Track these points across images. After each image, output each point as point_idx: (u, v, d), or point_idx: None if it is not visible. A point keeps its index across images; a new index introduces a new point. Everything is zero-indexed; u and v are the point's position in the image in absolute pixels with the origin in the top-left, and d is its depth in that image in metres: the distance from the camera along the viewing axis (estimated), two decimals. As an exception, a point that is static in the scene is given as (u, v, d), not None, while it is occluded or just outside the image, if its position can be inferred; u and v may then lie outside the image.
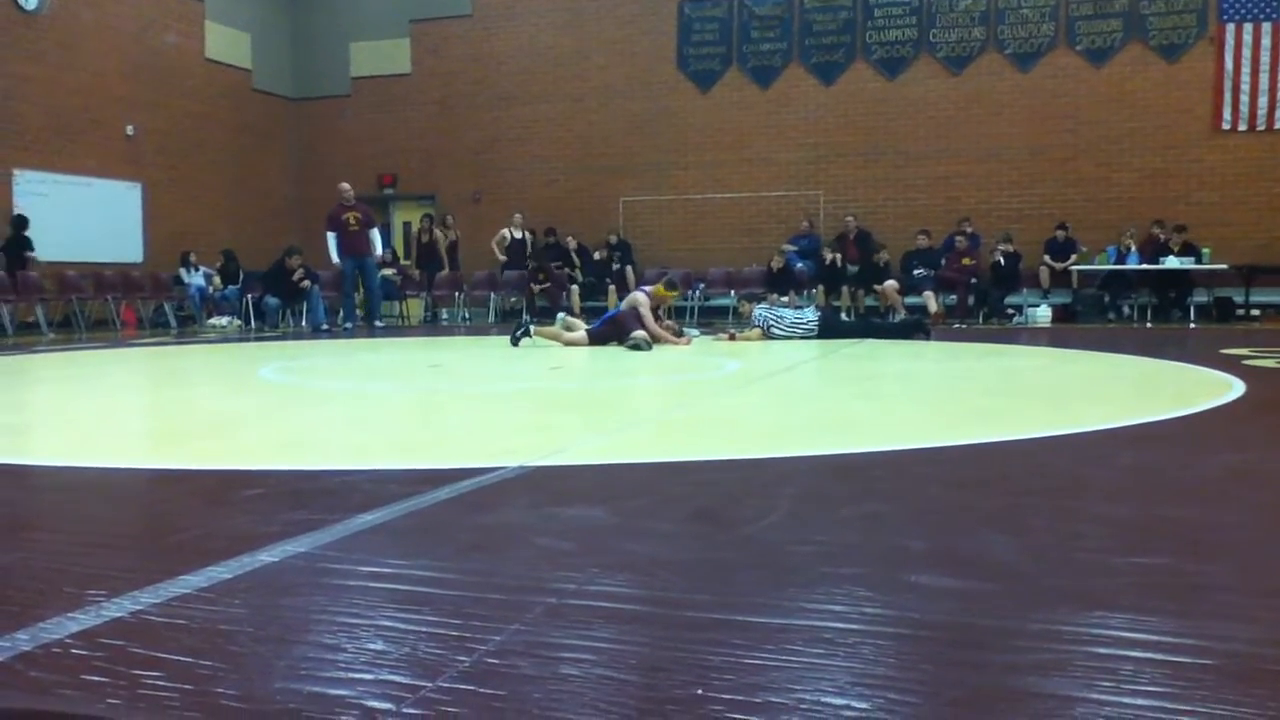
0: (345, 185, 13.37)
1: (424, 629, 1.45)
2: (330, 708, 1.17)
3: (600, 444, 3.34)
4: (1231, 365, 5.97)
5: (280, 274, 13.60)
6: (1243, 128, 14.17)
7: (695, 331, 10.22)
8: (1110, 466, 2.91)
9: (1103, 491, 2.54)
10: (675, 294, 9.74)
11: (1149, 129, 14.47)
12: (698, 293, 14.81)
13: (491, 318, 15.38)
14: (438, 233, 15.62)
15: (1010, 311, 13.82)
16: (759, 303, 10.19)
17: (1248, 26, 14.11)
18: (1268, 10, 14.02)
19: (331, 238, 12.88)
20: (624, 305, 9.28)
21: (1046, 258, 13.93)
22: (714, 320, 13.68)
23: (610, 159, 16.59)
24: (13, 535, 2.16)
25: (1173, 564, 1.84)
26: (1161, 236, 13.47)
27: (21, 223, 13.19)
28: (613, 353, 8.06)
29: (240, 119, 17.20)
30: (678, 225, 16.35)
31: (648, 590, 1.66)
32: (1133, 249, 13.48)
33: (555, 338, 8.87)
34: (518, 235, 15.47)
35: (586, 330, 8.96)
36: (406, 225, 17.76)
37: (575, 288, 14.99)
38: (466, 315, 15.59)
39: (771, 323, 9.57)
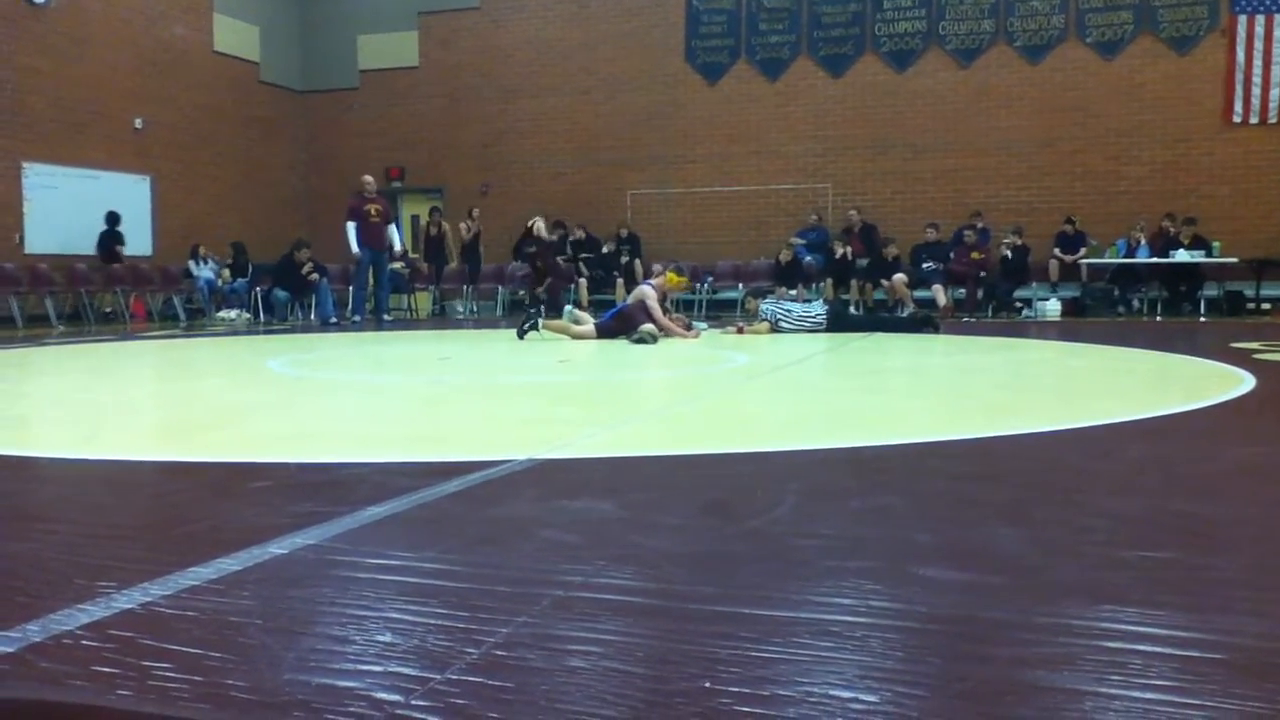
0: (369, 178, 13.47)
1: (432, 621, 1.45)
2: (339, 699, 1.18)
3: (608, 437, 3.34)
4: (1242, 359, 5.95)
5: (289, 267, 13.63)
6: (1254, 120, 14.10)
7: (703, 325, 10.21)
8: (1119, 460, 2.90)
9: (1112, 485, 2.54)
10: (684, 280, 9.72)
11: (1159, 122, 14.41)
12: (706, 286, 14.80)
13: (499, 311, 15.39)
14: (460, 225, 15.53)
15: (1019, 305, 13.79)
16: (766, 298, 10.18)
17: (1260, 18, 14.03)
18: (1279, 2, 13.93)
19: (352, 227, 12.90)
20: (631, 299, 9.28)
21: (1056, 251, 13.89)
22: (722, 313, 13.67)
23: (618, 151, 16.57)
24: (22, 527, 2.17)
25: (1182, 558, 1.84)
26: (1171, 230, 13.42)
27: (114, 219, 14.18)
28: (620, 346, 8.05)
29: (248, 112, 17.23)
30: (685, 218, 16.34)
31: (655, 583, 1.66)
32: (1143, 242, 13.43)
33: (563, 331, 8.86)
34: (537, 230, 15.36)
35: (595, 324, 8.96)
36: (415, 218, 17.78)
37: (583, 281, 14.99)
38: (475, 308, 15.60)
39: (779, 317, 9.55)
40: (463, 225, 15.49)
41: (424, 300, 16.17)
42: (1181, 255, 13.04)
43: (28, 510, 2.40)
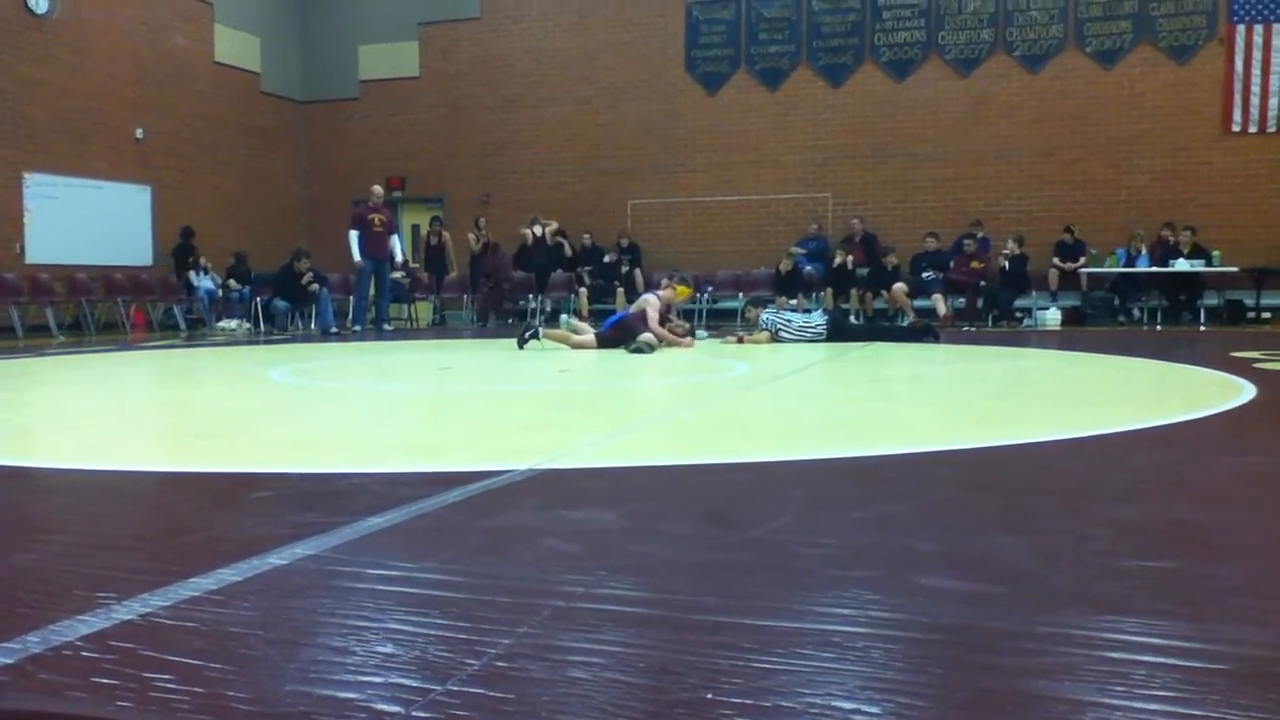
0: (377, 188, 13.52)
1: (433, 632, 1.45)
2: (340, 710, 1.17)
3: (609, 446, 3.33)
4: (1242, 368, 5.95)
5: (289, 277, 13.63)
6: (1253, 129, 14.12)
7: (703, 334, 10.22)
8: (1121, 469, 2.90)
9: (1113, 494, 2.53)
10: (689, 290, 9.76)
11: (1158, 130, 14.42)
12: (706, 295, 14.81)
13: (494, 320, 15.39)
14: (469, 236, 15.51)
15: (1019, 314, 13.79)
16: (766, 307, 10.19)
17: (1258, 28, 14.06)
18: (1278, 11, 13.97)
19: (354, 236, 12.90)
20: (633, 309, 9.29)
21: (1055, 260, 13.89)
22: (722, 322, 13.68)
23: (618, 161, 16.59)
24: (23, 537, 2.17)
25: (1184, 567, 1.84)
26: (1171, 239, 13.42)
27: (189, 232, 14.74)
28: (620, 355, 8.06)
29: (249, 122, 17.25)
30: (686, 227, 16.34)
31: (657, 593, 1.65)
32: (1143, 251, 13.44)
33: (563, 340, 8.87)
34: (538, 233, 15.52)
35: (595, 333, 8.97)
36: (415, 228, 17.79)
37: (583, 290, 15.02)
38: (475, 318, 15.61)
39: (780, 326, 9.56)
40: (471, 236, 15.44)
41: (424, 310, 16.18)
42: (1181, 264, 13.04)
43: (28, 520, 2.39)
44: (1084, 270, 13.72)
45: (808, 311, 10.43)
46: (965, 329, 12.34)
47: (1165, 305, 13.54)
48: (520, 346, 8.67)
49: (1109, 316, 13.59)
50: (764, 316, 9.78)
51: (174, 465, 3.11)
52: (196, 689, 1.24)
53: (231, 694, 1.22)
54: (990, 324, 13.36)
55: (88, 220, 14.10)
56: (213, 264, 14.98)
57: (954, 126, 15.17)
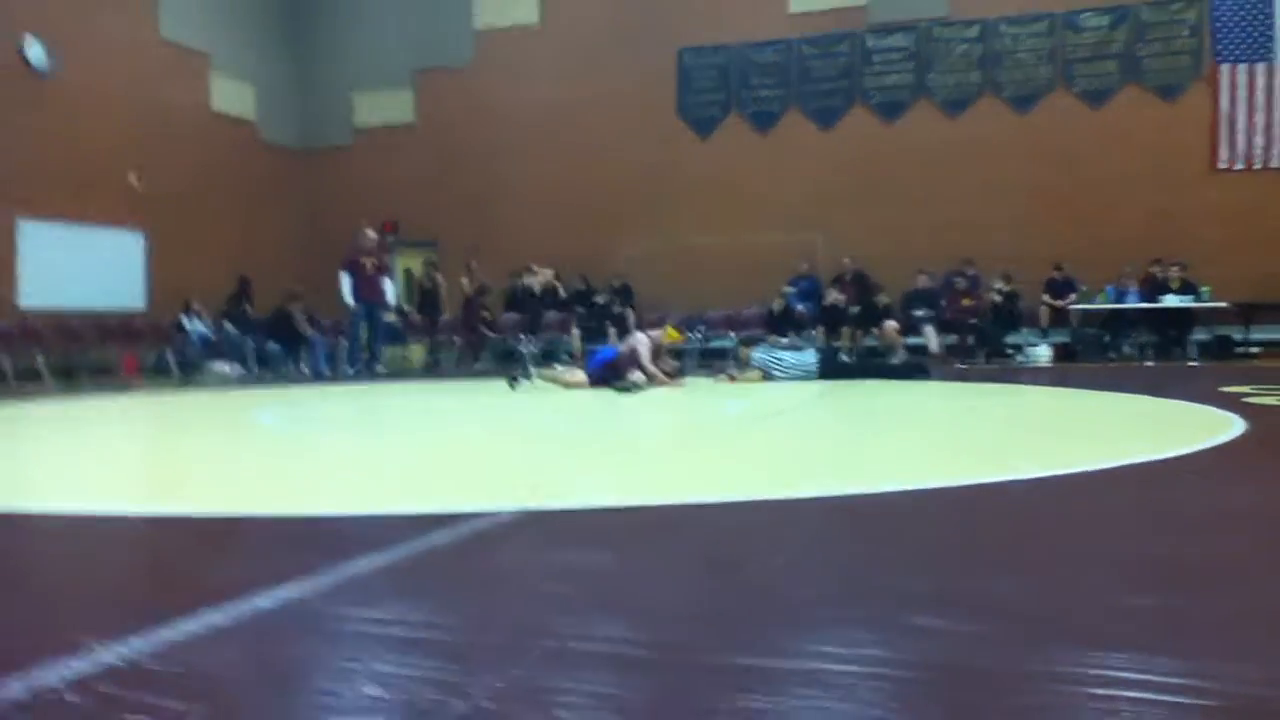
0: (370, 231, 13.52)
1: (421, 674, 1.44)
2: (324, 755, 1.16)
3: (601, 486, 3.33)
4: (1231, 403, 5.96)
5: (282, 320, 13.64)
6: (1239, 166, 14.29)
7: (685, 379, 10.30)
8: (1111, 505, 2.90)
9: (1104, 530, 2.53)
10: (679, 334, 9.84)
11: (1147, 168, 14.57)
12: (698, 334, 14.84)
13: (490, 362, 15.40)
14: (462, 280, 15.55)
15: (1010, 351, 13.83)
16: (758, 346, 10.22)
17: (1242, 68, 14.26)
18: (1262, 51, 14.18)
19: (346, 278, 12.91)
20: (622, 347, 9.33)
21: (1045, 296, 13.97)
22: (714, 361, 13.70)
23: (611, 206, 16.69)
24: (9, 581, 2.15)
25: (1173, 603, 1.83)
26: (1160, 275, 13.51)
27: (246, 282, 15.18)
28: (612, 395, 8.06)
29: (245, 169, 17.37)
30: (678, 268, 16.41)
31: (648, 634, 1.65)
32: (1132, 287, 13.52)
33: (555, 380, 8.89)
34: (529, 284, 15.42)
35: (586, 372, 9.01)
36: (408, 271, 17.85)
37: (576, 331, 15.06)
38: (477, 360, 15.62)
39: (771, 365, 9.58)
40: (463, 280, 15.48)
41: (417, 352, 16.19)
42: (1171, 300, 13.12)
43: (12, 563, 2.38)
44: (1074, 307, 13.79)
45: (799, 350, 10.45)
46: (957, 366, 12.36)
47: (1156, 341, 13.60)
48: (511, 387, 8.68)
49: (1100, 352, 13.65)
50: (755, 355, 9.81)
51: (160, 508, 3.09)
52: (180, 734, 1.23)
53: (215, 739, 1.21)
54: (983, 361, 13.39)
55: (81, 266, 14.14)
56: (206, 309, 15.00)
57: (944, 167, 15.30)
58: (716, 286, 16.04)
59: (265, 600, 1.84)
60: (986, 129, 15.29)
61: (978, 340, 13.78)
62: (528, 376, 8.81)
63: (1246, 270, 13.86)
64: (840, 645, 1.55)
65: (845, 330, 14.14)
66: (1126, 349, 13.73)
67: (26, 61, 13.51)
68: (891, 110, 15.74)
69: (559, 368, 9.80)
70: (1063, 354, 13.55)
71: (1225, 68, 14.32)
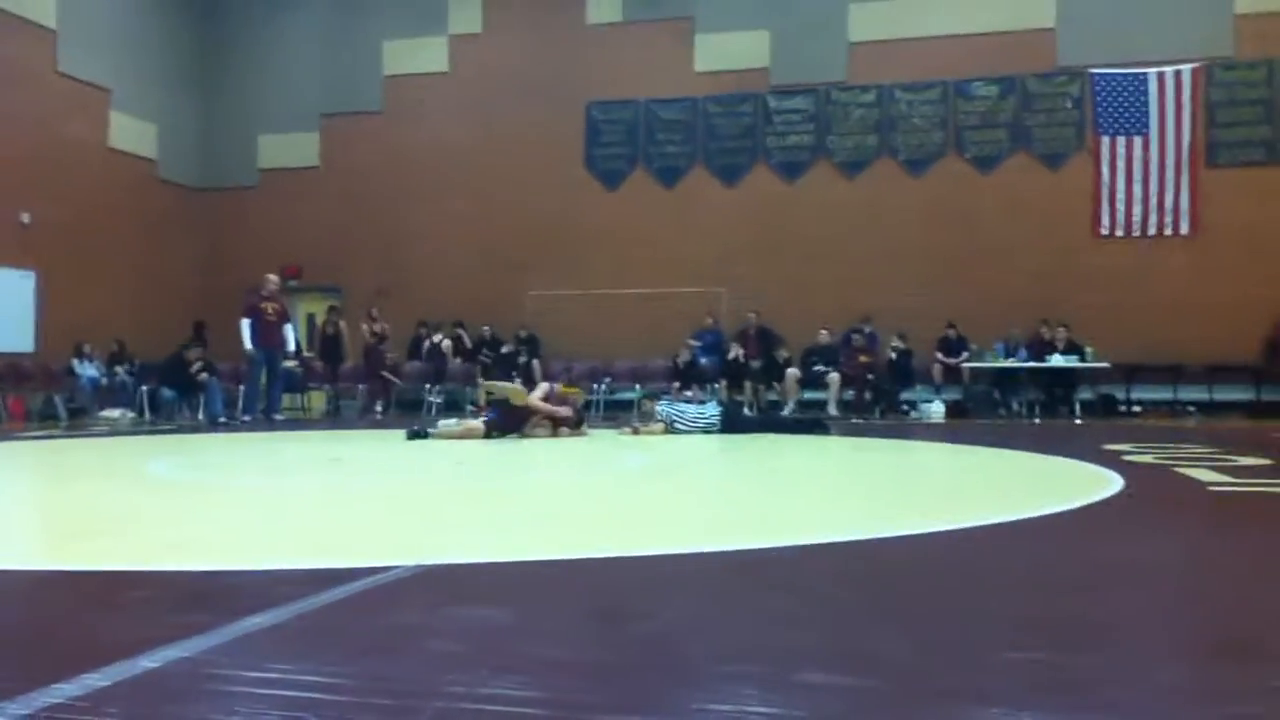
0: (272, 276, 13.31)
1: (308, 736, 1.43)
2: (206, 820, 1.15)
3: (499, 541, 3.32)
4: (1112, 460, 6.23)
5: (177, 365, 13.28)
6: (1120, 233, 15.00)
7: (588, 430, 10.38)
8: (998, 561, 3.01)
9: (991, 586, 2.63)
10: (577, 391, 9.95)
11: (1035, 233, 15.17)
12: (603, 387, 14.89)
13: (393, 410, 15.19)
14: (363, 327, 15.36)
15: (905, 407, 14.20)
16: (661, 399, 10.32)
17: (1120, 140, 15.04)
18: (1138, 125, 14.98)
19: (247, 324, 12.64)
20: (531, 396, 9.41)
21: (939, 354, 14.41)
22: (619, 414, 13.75)
23: (518, 254, 16.70)
24: (-126, 643, 2.06)
25: (1058, 659, 1.91)
26: (1047, 335, 14.07)
27: (200, 326, 16.04)
28: (515, 448, 8.05)
29: (144, 208, 16.91)
30: (585, 320, 16.45)
31: (541, 692, 1.66)
32: (1021, 347, 14.05)
33: (449, 436, 8.87)
34: (366, 331, 15.31)
35: (483, 421, 9.02)
36: (311, 317, 17.55)
37: (482, 381, 14.99)
38: (379, 406, 15.37)
39: (674, 418, 9.67)
40: (364, 327, 15.31)
41: (317, 399, 15.88)
42: (1057, 360, 13.66)
43: (-120, 625, 2.27)
44: (965, 365, 14.24)
45: (702, 403, 10.58)
46: (853, 421, 12.63)
47: (1043, 399, 14.11)
48: (409, 439, 8.65)
49: (990, 409, 14.09)
50: (659, 408, 9.90)
51: (42, 564, 2.99)
52: (55, 802, 1.20)
53: (93, 806, 1.19)
54: (878, 416, 13.71)
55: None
56: (100, 351, 14.51)
57: (843, 225, 15.71)
58: (623, 337, 16.12)
59: (151, 660, 1.80)
60: (883, 190, 15.79)
61: (874, 396, 14.11)
62: (424, 436, 8.79)
63: (1128, 332, 14.48)
64: (728, 702, 1.58)
65: (748, 384, 14.35)
66: (1015, 406, 14.21)
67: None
68: (792, 170, 16.16)
69: (456, 421, 9.75)
70: (955, 411, 13.95)
71: (1106, 139, 15.09)
